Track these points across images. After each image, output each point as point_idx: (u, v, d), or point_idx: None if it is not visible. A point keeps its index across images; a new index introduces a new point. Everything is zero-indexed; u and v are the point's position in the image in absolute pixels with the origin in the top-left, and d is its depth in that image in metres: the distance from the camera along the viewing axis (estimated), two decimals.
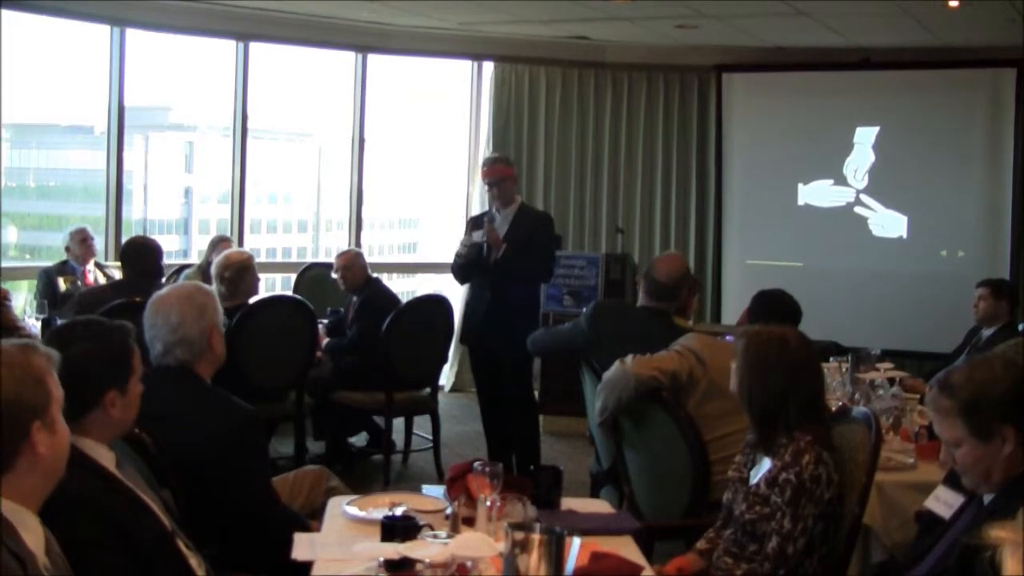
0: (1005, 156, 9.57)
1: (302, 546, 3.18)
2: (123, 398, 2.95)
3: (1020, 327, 6.87)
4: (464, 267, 7.18)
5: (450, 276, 7.59)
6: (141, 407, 3.06)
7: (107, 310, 5.67)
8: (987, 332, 7.03)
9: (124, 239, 8.53)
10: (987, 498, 2.92)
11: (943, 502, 3.20)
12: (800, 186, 10.27)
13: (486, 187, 7.25)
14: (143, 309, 3.77)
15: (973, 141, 9.73)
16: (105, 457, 2.90)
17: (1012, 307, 7.11)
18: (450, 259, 7.30)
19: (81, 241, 8.20)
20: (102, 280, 8.11)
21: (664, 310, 5.45)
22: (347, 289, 7.74)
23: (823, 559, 3.45)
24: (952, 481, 3.16)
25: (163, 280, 7.30)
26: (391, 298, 7.75)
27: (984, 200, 9.70)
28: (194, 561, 3.00)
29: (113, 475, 2.89)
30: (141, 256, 7.09)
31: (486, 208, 7.47)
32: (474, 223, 7.28)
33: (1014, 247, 9.63)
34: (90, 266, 8.21)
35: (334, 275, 7.80)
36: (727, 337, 4.90)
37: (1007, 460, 2.83)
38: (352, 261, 7.77)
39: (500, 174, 7.12)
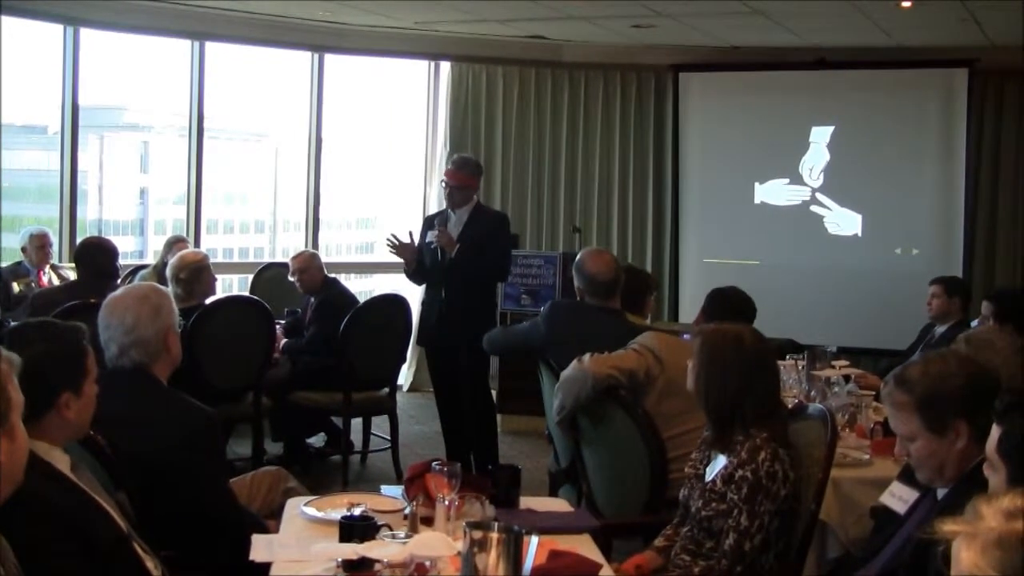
0: (958, 155, 9.67)
1: (260, 547, 3.17)
2: (78, 400, 2.92)
3: (972, 324, 6.92)
4: (419, 272, 7.19)
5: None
6: (96, 409, 3.04)
7: (61, 311, 5.62)
8: (940, 329, 7.09)
9: (79, 240, 8.45)
10: (941, 492, 2.96)
11: (898, 497, 3.23)
12: (756, 185, 10.33)
13: (442, 183, 7.23)
14: (98, 310, 3.74)
15: (926, 140, 9.83)
16: (60, 460, 2.87)
17: (964, 304, 7.17)
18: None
19: (39, 247, 8.13)
20: (56, 282, 8.04)
21: (617, 308, 5.48)
22: (305, 291, 7.72)
23: (779, 555, 3.48)
24: (907, 476, 3.19)
25: (118, 281, 7.24)
26: (350, 298, 7.73)
27: (937, 199, 9.80)
28: (151, 563, 2.98)
29: (68, 478, 2.86)
30: (96, 257, 7.03)
31: (443, 207, 7.46)
32: (428, 223, 7.27)
33: (967, 245, 9.73)
34: (45, 268, 8.14)
35: (291, 278, 7.77)
36: (684, 336, 4.92)
37: (960, 454, 2.86)
38: (308, 263, 7.74)
39: (460, 182, 7.07)
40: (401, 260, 7.21)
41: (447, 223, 7.05)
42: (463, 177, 7.10)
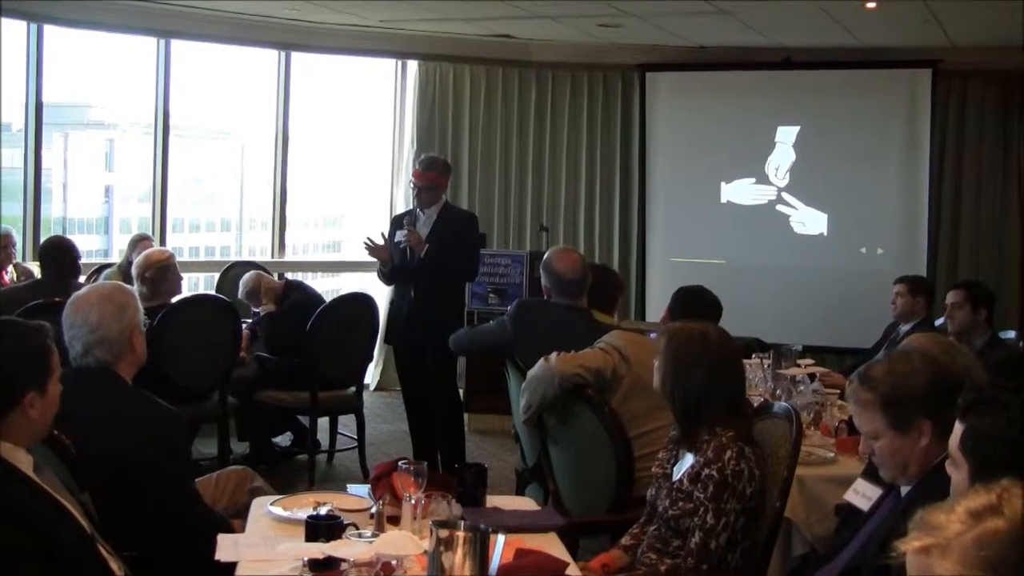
0: (922, 155, 9.74)
1: (226, 547, 3.16)
2: (42, 399, 2.90)
3: (936, 323, 6.98)
4: (389, 273, 7.18)
5: (374, 275, 7.56)
6: (61, 408, 3.02)
7: (25, 310, 5.59)
8: (905, 327, 7.12)
9: (43, 238, 8.40)
10: (904, 490, 2.98)
11: (862, 495, 3.26)
12: (723, 184, 10.36)
13: (411, 183, 7.22)
14: (62, 309, 3.72)
15: (891, 141, 9.89)
16: (23, 461, 2.86)
17: (928, 303, 7.22)
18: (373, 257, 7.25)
19: (2, 248, 8.04)
20: (18, 280, 7.97)
21: (583, 307, 5.49)
22: (274, 305, 7.60)
23: (745, 552, 3.49)
24: (871, 474, 3.22)
25: (82, 279, 7.20)
26: (315, 298, 7.69)
27: (902, 198, 9.86)
28: (115, 564, 2.97)
29: (31, 479, 2.85)
30: (62, 256, 7.01)
31: (410, 206, 7.46)
32: (396, 223, 7.27)
33: (931, 244, 9.81)
34: (8, 267, 8.07)
35: (257, 310, 7.64)
36: (651, 334, 4.94)
37: (923, 452, 2.88)
38: (253, 291, 7.63)
39: (428, 182, 7.08)
40: (375, 260, 7.21)
41: (416, 223, 7.05)
42: (431, 177, 7.10)
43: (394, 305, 7.31)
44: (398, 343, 7.33)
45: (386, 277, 7.28)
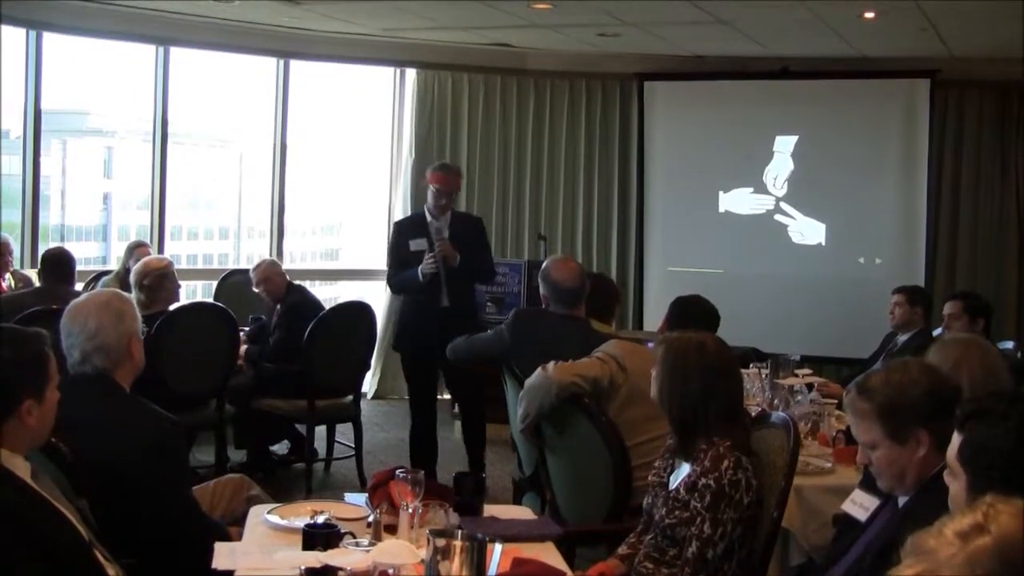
0: (920, 165, 9.75)
1: (223, 555, 3.16)
2: (40, 406, 2.90)
3: (934, 333, 6.98)
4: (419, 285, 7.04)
5: (372, 283, 7.53)
6: (59, 416, 3.01)
7: (23, 317, 5.59)
8: (902, 338, 7.13)
9: (41, 244, 8.41)
10: (901, 500, 2.98)
11: (859, 505, 3.25)
12: (721, 194, 10.37)
13: (435, 190, 7.09)
14: (60, 316, 3.72)
15: (889, 150, 9.90)
16: (20, 467, 2.85)
17: (926, 313, 7.22)
18: (371, 265, 7.23)
19: None
20: (15, 288, 7.96)
21: (581, 316, 5.49)
22: (270, 300, 7.65)
23: (742, 562, 3.49)
24: (868, 484, 3.21)
25: (80, 287, 7.20)
26: (315, 304, 7.69)
27: (900, 208, 9.87)
28: (112, 571, 2.97)
29: (29, 486, 2.84)
30: (59, 264, 7.02)
31: (408, 212, 7.44)
32: (408, 231, 7.16)
33: (928, 254, 9.82)
34: (5, 275, 8.06)
35: (255, 289, 7.69)
36: (648, 344, 4.94)
37: (921, 462, 2.88)
38: (268, 272, 7.65)
39: (454, 188, 7.17)
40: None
41: (439, 232, 7.00)
42: (454, 182, 7.16)
43: (416, 315, 7.16)
44: (429, 353, 7.03)
45: (417, 289, 7.09)
